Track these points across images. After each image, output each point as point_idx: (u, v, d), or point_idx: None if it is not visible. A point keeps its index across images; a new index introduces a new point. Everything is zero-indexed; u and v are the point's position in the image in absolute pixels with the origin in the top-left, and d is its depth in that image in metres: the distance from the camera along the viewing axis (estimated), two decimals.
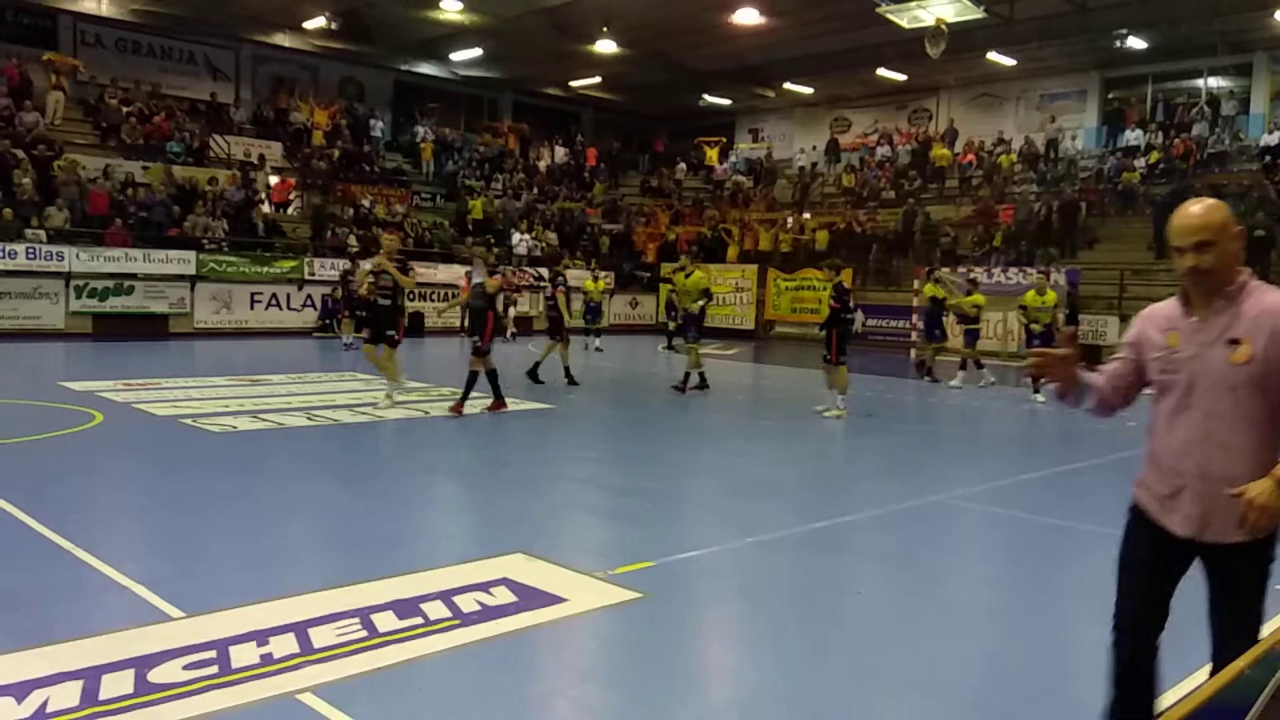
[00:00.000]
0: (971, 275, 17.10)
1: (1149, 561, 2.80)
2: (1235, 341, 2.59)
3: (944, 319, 16.39)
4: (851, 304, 11.72)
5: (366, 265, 11.03)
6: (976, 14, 19.74)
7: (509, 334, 21.83)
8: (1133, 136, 24.54)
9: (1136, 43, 22.29)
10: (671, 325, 21.01)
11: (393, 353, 10.75)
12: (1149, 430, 2.81)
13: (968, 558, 5.97)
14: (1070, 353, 2.89)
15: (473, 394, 10.42)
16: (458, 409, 10.21)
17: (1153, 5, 20.72)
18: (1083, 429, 10.61)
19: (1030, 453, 9.92)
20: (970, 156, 26.79)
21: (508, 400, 10.86)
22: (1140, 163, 23.50)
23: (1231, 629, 2.68)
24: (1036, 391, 12.39)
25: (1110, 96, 26.48)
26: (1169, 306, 2.79)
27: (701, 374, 13.28)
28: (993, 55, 23.64)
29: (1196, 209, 2.66)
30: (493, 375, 10.45)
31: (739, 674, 4.07)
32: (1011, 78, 26.59)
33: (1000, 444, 9.99)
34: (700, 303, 13.42)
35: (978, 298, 15.39)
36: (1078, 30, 21.92)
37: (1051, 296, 13.79)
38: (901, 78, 26.73)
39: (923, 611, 4.78)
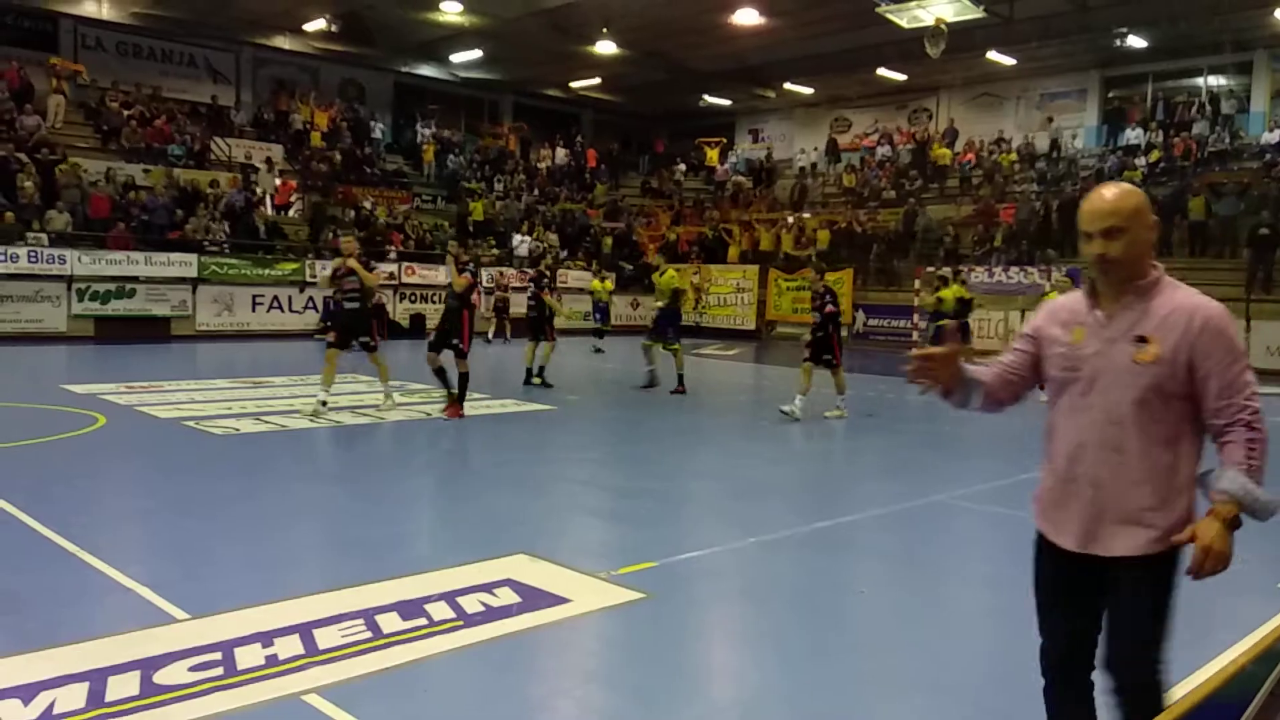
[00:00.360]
0: (941, 272, 17.12)
1: (1060, 592, 2.59)
2: (1143, 339, 2.39)
3: (967, 320, 16.31)
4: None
5: (325, 270, 10.71)
6: (976, 13, 19.75)
7: (493, 336, 21.77)
8: (1133, 135, 24.54)
9: (1136, 41, 22.29)
10: None
11: (376, 356, 10.52)
12: (1046, 433, 2.61)
13: (969, 557, 5.98)
14: (953, 350, 2.67)
15: (468, 396, 10.40)
16: (454, 412, 10.19)
17: (1152, 4, 20.73)
18: None
19: (1031, 452, 9.89)
20: (970, 156, 26.80)
21: (507, 402, 10.85)
22: (1141, 161, 23.50)
23: (1118, 662, 2.47)
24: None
25: (1110, 95, 26.47)
26: (1075, 299, 2.58)
27: (651, 372, 13.19)
28: (992, 55, 23.63)
29: (1109, 192, 2.46)
30: (440, 373, 10.20)
31: (742, 674, 4.08)
32: (1011, 77, 26.58)
33: (1001, 443, 9.99)
34: (660, 302, 13.33)
35: (945, 293, 15.40)
36: (1077, 29, 21.92)
37: None
38: (901, 77, 26.73)
39: (925, 611, 4.79)
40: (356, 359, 15.42)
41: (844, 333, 21.87)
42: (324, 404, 10.07)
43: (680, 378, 13.03)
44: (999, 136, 26.89)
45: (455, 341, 10.13)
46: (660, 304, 13.37)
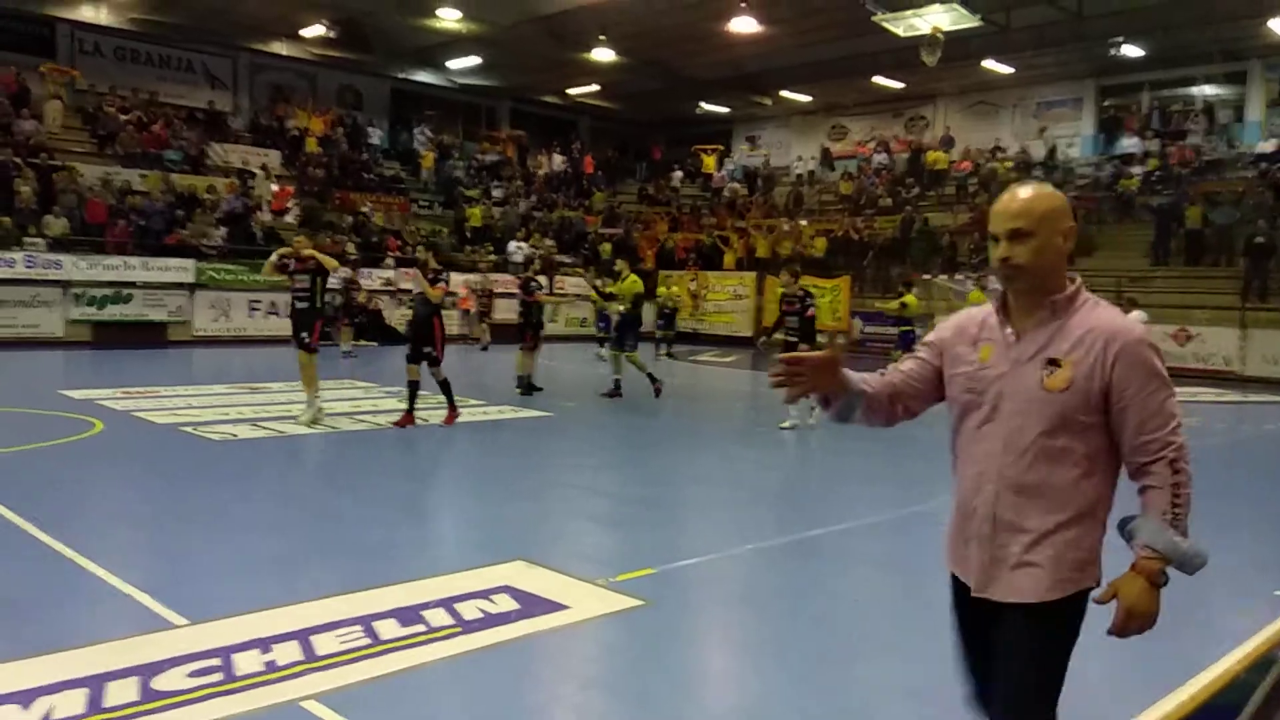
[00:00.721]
0: (908, 278, 17.18)
1: (974, 633, 2.32)
2: (1054, 363, 2.13)
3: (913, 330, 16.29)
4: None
5: (273, 258, 10.55)
6: (973, 22, 19.81)
7: (482, 344, 21.72)
8: (1129, 144, 24.62)
9: (1132, 51, 22.36)
10: (660, 334, 21.12)
11: (309, 358, 10.07)
12: (952, 461, 2.38)
13: None
14: (829, 356, 2.32)
15: (454, 403, 10.35)
16: (450, 419, 10.19)
17: (1148, 13, 20.82)
18: None
19: None
20: (967, 165, 26.86)
21: (504, 408, 10.84)
22: (1137, 170, 23.58)
23: (997, 714, 2.23)
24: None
25: (1106, 104, 26.57)
26: (986, 313, 2.32)
27: (617, 381, 13.00)
28: (989, 63, 23.71)
29: (1022, 192, 2.24)
30: (414, 385, 10.05)
31: (741, 681, 4.09)
32: (1008, 85, 26.66)
33: None
34: (621, 307, 13.23)
35: (908, 298, 15.47)
36: (1073, 38, 22.01)
37: None
38: (898, 85, 26.80)
39: (922, 616, 4.80)
40: (354, 364, 15.43)
41: (837, 339, 22.06)
42: (320, 410, 10.05)
43: (650, 376, 12.86)
44: (995, 145, 26.96)
45: (428, 350, 10.02)
46: (622, 309, 13.30)
